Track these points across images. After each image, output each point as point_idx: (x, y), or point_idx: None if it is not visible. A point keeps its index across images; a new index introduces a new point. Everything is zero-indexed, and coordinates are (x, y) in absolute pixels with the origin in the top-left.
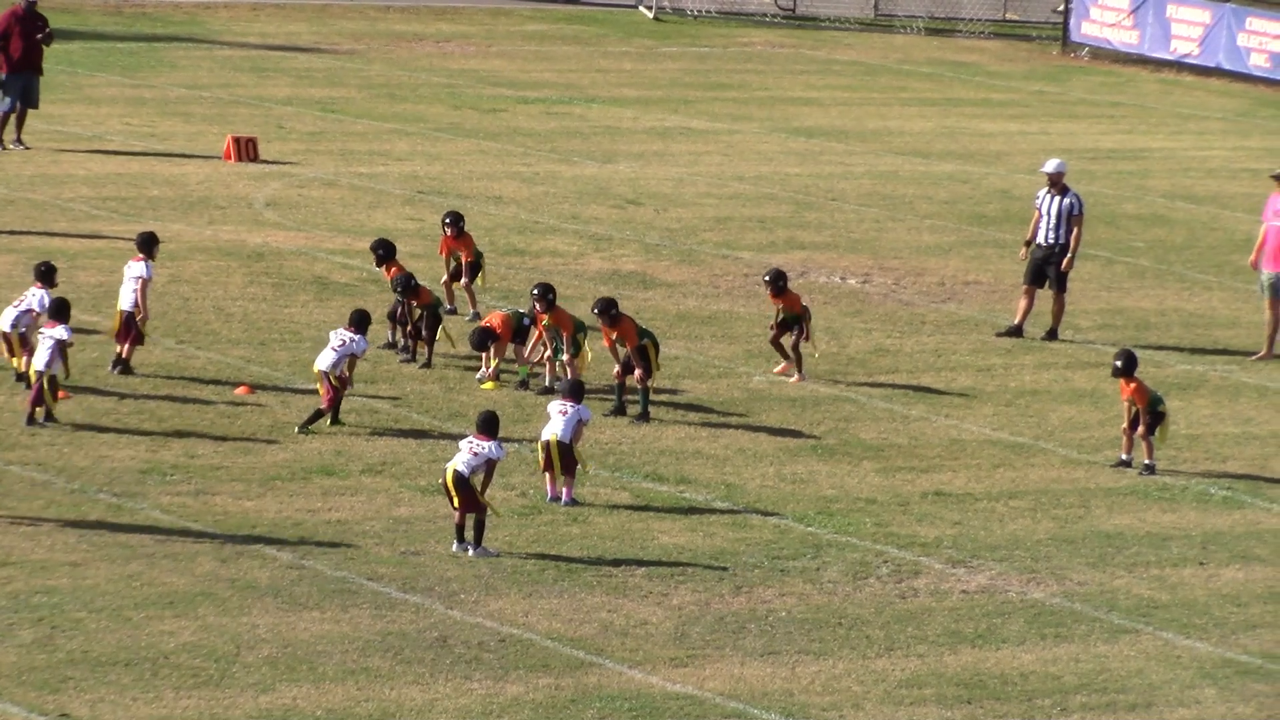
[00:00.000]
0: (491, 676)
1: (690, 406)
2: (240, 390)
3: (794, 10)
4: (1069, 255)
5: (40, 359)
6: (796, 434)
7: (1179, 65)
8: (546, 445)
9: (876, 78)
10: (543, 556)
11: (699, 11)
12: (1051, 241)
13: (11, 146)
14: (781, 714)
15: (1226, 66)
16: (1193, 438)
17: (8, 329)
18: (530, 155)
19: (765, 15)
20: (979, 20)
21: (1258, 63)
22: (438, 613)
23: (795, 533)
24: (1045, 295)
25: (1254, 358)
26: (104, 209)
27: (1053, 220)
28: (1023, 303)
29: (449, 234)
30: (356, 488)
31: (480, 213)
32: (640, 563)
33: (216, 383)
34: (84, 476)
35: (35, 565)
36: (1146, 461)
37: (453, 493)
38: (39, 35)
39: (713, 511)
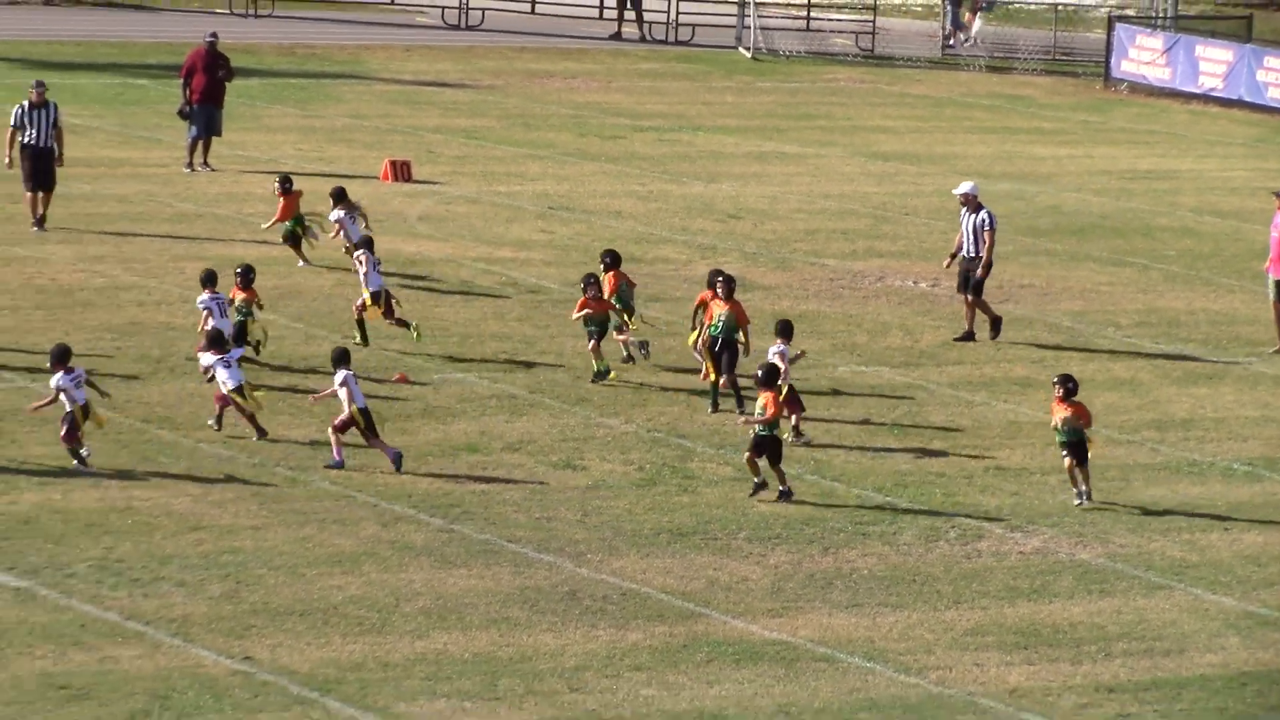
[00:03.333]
0: (614, 625)
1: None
2: (397, 378)
3: (872, 51)
4: (984, 263)
5: (234, 377)
6: (875, 417)
7: (1206, 98)
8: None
9: (943, 109)
10: (658, 522)
11: (790, 52)
12: (972, 255)
13: (199, 169)
14: (864, 658)
15: (1247, 99)
16: (1218, 421)
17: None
18: (645, 176)
19: (847, 55)
20: (1032, 59)
21: (1275, 95)
22: (568, 570)
23: (874, 502)
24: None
25: (1271, 351)
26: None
27: (970, 235)
28: (966, 310)
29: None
30: (498, 463)
31: (602, 225)
32: (741, 527)
33: (378, 371)
34: (264, 453)
35: (223, 529)
36: (1084, 488)
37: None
38: (220, 73)
39: (804, 483)
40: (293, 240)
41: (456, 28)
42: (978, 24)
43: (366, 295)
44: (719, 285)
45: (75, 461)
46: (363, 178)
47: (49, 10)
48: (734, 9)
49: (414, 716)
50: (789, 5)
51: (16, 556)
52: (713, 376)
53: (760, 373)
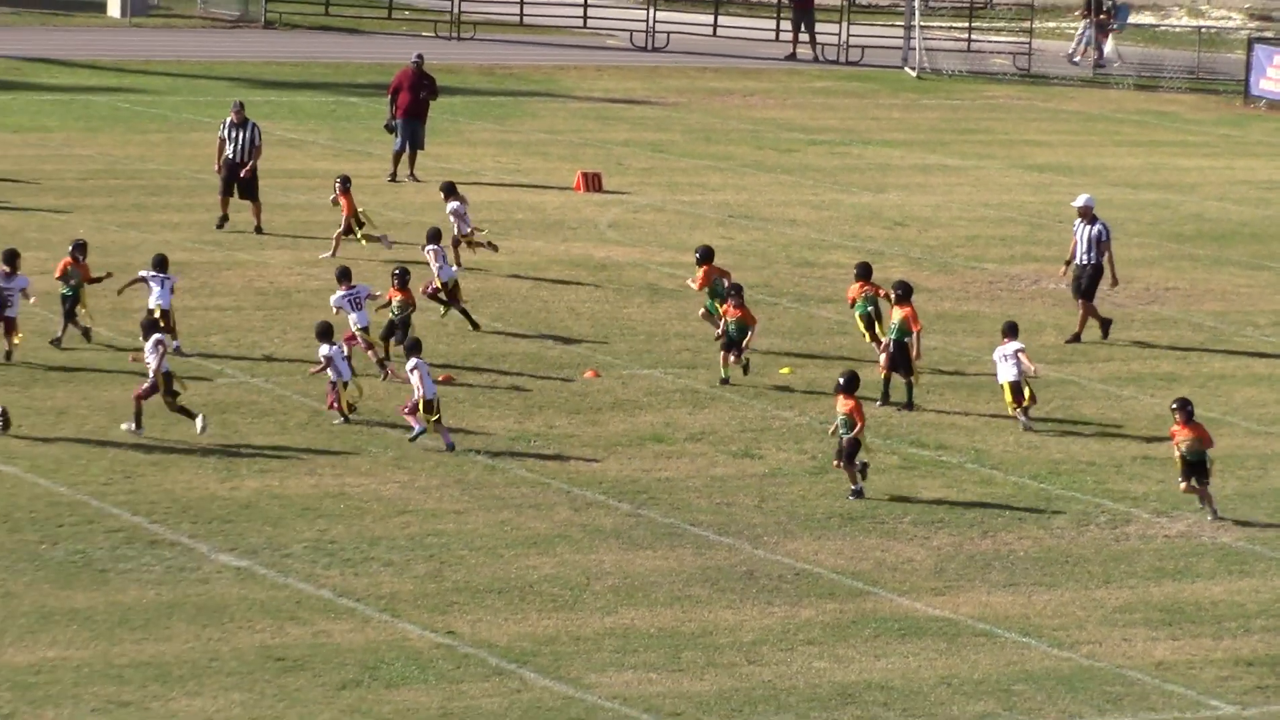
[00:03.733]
0: (789, 602)
1: (946, 387)
2: (589, 374)
3: (1028, 70)
4: (1113, 274)
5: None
6: (1031, 410)
7: None
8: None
9: (1095, 124)
10: (829, 507)
11: (952, 71)
12: (1085, 262)
13: (404, 180)
14: (1020, 633)
15: None
16: None
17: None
18: (817, 186)
19: (1005, 74)
20: (1177, 78)
21: None
22: (746, 551)
23: (1030, 489)
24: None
25: None
26: (480, 229)
27: (1085, 245)
28: (1080, 314)
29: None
30: (681, 452)
31: (778, 232)
32: (907, 513)
33: (569, 368)
34: (465, 442)
35: (428, 513)
36: (1212, 506)
37: None
38: (423, 93)
39: (964, 471)
40: (346, 231)
41: (644, 49)
42: (1109, 45)
43: (437, 283)
44: (895, 292)
45: (417, 430)
46: (557, 188)
47: (270, 33)
48: (900, 31)
49: (603, 687)
50: (951, 27)
51: (238, 538)
52: (883, 372)
53: (842, 380)
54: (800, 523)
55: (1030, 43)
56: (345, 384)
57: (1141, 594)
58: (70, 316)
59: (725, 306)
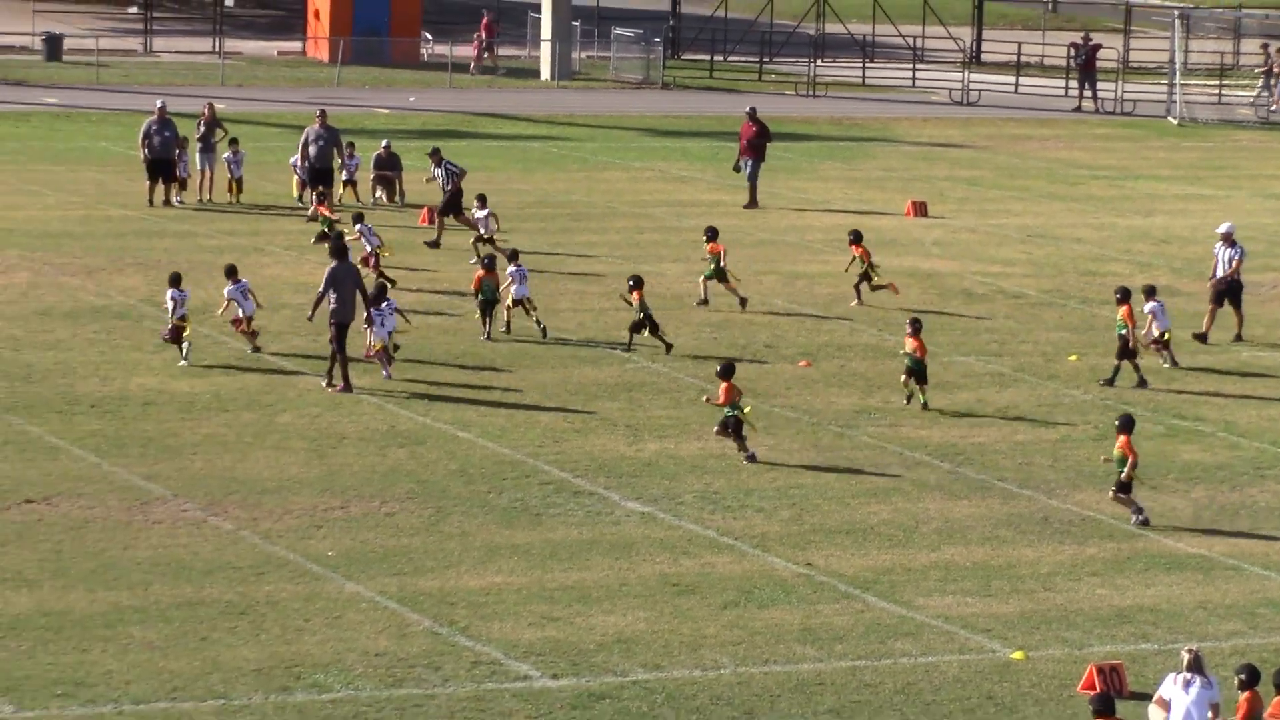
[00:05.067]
0: (1076, 542)
1: (1201, 369)
2: (803, 364)
3: (1267, 119)
4: (1241, 286)
5: None
6: (1270, 391)
7: None
8: None
9: None
10: (1109, 467)
11: (1207, 119)
12: (1222, 275)
13: (746, 209)
14: (1262, 568)
15: None
16: None
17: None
18: (1098, 212)
19: (1248, 122)
20: None
21: None
22: (1042, 501)
23: (1270, 453)
24: (1223, 312)
25: None
26: (831, 247)
27: (1225, 264)
28: (1208, 319)
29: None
30: (990, 422)
31: (1066, 248)
32: (1170, 470)
33: (897, 354)
34: (819, 414)
35: (790, 470)
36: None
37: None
38: (755, 139)
39: (1216, 438)
40: (320, 238)
41: (960, 104)
42: None
43: (510, 300)
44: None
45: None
46: (891, 214)
47: (667, 93)
48: (1165, 88)
49: (929, 608)
50: (1205, 85)
51: (642, 489)
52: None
53: (1118, 421)
54: (1085, 478)
55: (1271, 96)
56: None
57: None
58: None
59: (906, 338)
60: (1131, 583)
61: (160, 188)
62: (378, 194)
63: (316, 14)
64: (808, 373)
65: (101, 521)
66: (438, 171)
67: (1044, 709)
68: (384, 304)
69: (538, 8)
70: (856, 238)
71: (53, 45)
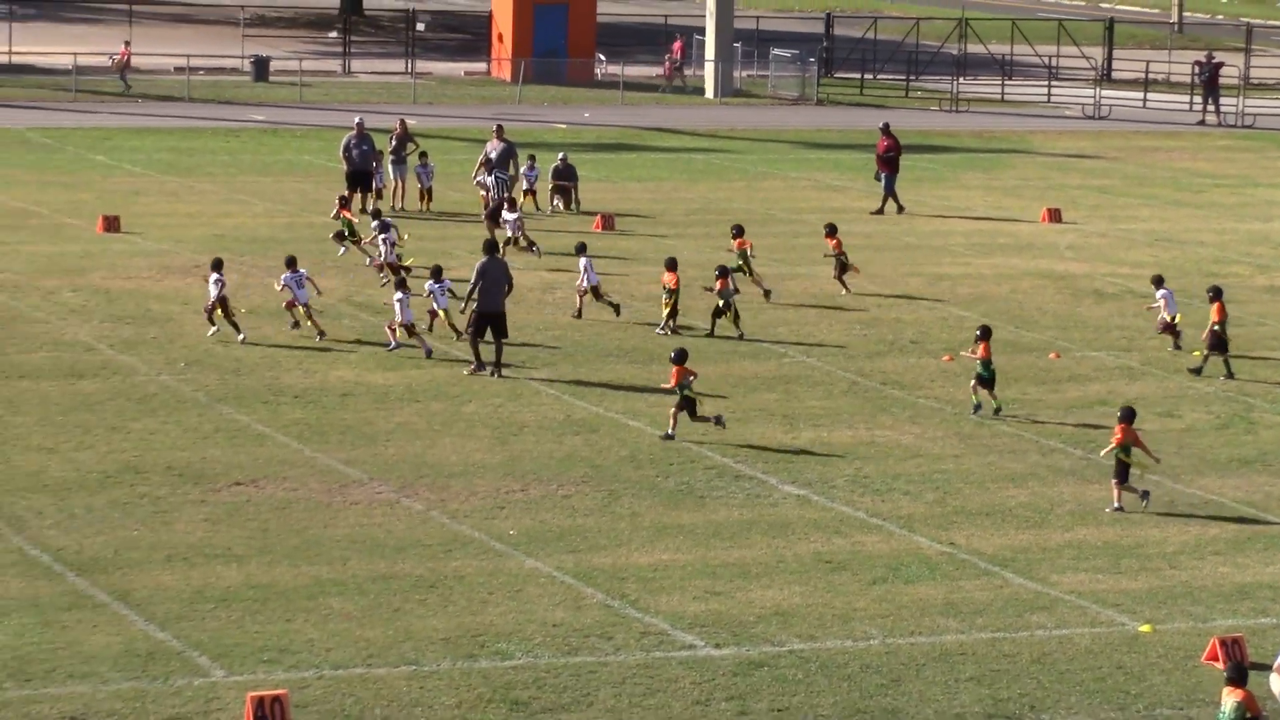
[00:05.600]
0: (1200, 523)
1: None
2: (1052, 355)
3: None
4: None
5: None
6: None
7: None
8: None
9: None
10: (1230, 454)
11: None
12: None
13: (887, 212)
14: None
15: None
16: None
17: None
18: (1220, 217)
19: None
20: None
21: None
22: (1168, 485)
23: None
24: None
25: None
26: (972, 250)
27: None
28: None
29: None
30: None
31: (1191, 251)
32: None
33: (1038, 351)
34: (961, 405)
35: (934, 456)
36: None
37: None
38: (888, 152)
39: None
40: (338, 236)
41: (1092, 118)
42: None
43: (587, 287)
44: (1209, 293)
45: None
46: (1026, 221)
47: (820, 109)
48: None
49: (1063, 584)
50: None
51: (797, 474)
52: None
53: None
54: (1208, 465)
55: None
56: None
57: None
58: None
59: (976, 345)
60: (1252, 561)
61: (358, 197)
62: (555, 202)
63: (500, 37)
64: (950, 367)
65: (304, 502)
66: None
67: (1169, 678)
68: (402, 294)
69: (703, 30)
70: (831, 230)
71: (260, 67)
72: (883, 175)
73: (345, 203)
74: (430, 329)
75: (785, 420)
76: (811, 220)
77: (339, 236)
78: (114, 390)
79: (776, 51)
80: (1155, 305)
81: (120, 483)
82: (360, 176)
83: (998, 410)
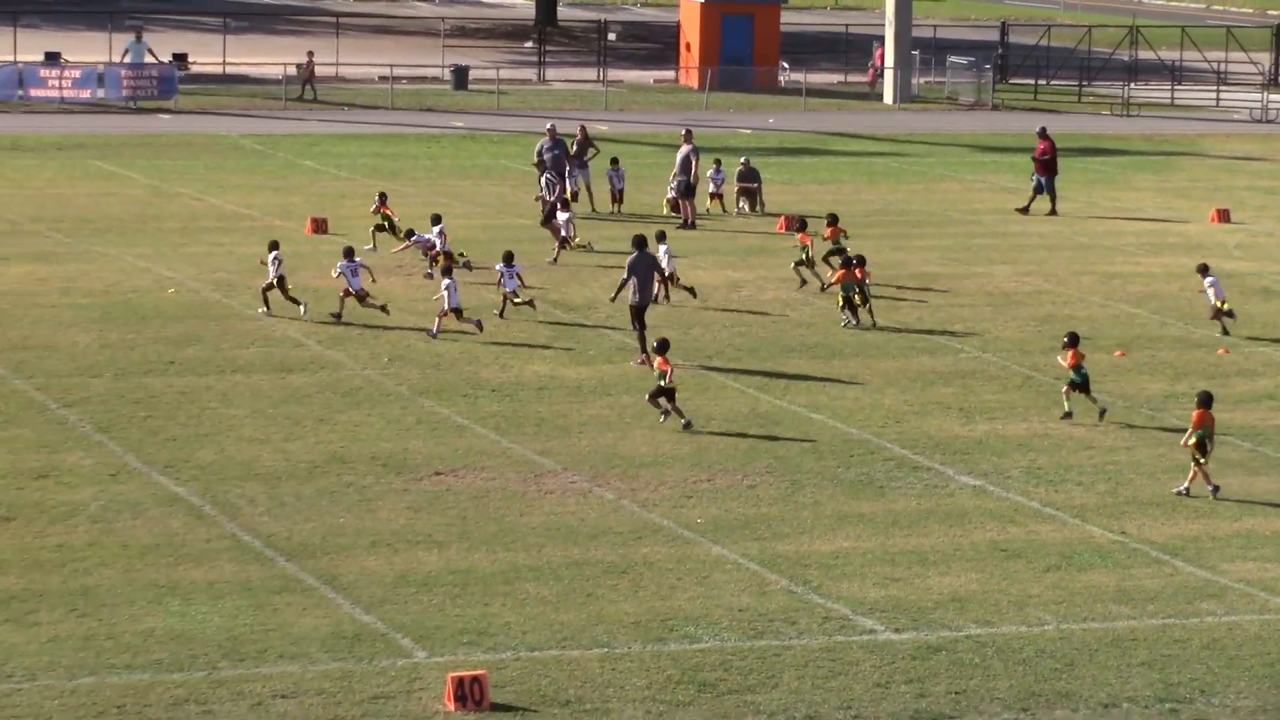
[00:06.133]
0: None
1: None
2: (1221, 351)
3: None
4: None
5: None
6: None
7: None
8: None
9: None
10: None
11: None
12: None
13: (1027, 214)
14: None
15: None
16: None
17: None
18: None
19: None
20: None
21: None
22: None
23: None
24: None
25: None
26: (1142, 250)
27: None
28: None
29: None
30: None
31: None
32: None
33: (1205, 347)
34: (1132, 399)
35: (1106, 449)
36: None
37: None
38: (1045, 154)
39: None
40: (379, 229)
41: (1260, 121)
42: None
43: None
44: None
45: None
46: (1197, 221)
47: (995, 114)
48: None
49: (1232, 572)
50: None
51: (973, 465)
52: None
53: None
54: None
55: None
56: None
57: None
58: (851, 307)
59: (1064, 352)
60: None
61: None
62: (741, 204)
63: (688, 46)
64: (1122, 362)
65: (501, 491)
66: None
67: None
68: (450, 280)
69: (882, 39)
70: (833, 219)
71: (460, 76)
72: (1039, 177)
73: (385, 199)
74: (501, 314)
75: (962, 413)
76: (987, 221)
77: (377, 229)
78: (322, 384)
79: (953, 58)
80: (1204, 291)
81: (328, 472)
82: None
83: (1103, 413)
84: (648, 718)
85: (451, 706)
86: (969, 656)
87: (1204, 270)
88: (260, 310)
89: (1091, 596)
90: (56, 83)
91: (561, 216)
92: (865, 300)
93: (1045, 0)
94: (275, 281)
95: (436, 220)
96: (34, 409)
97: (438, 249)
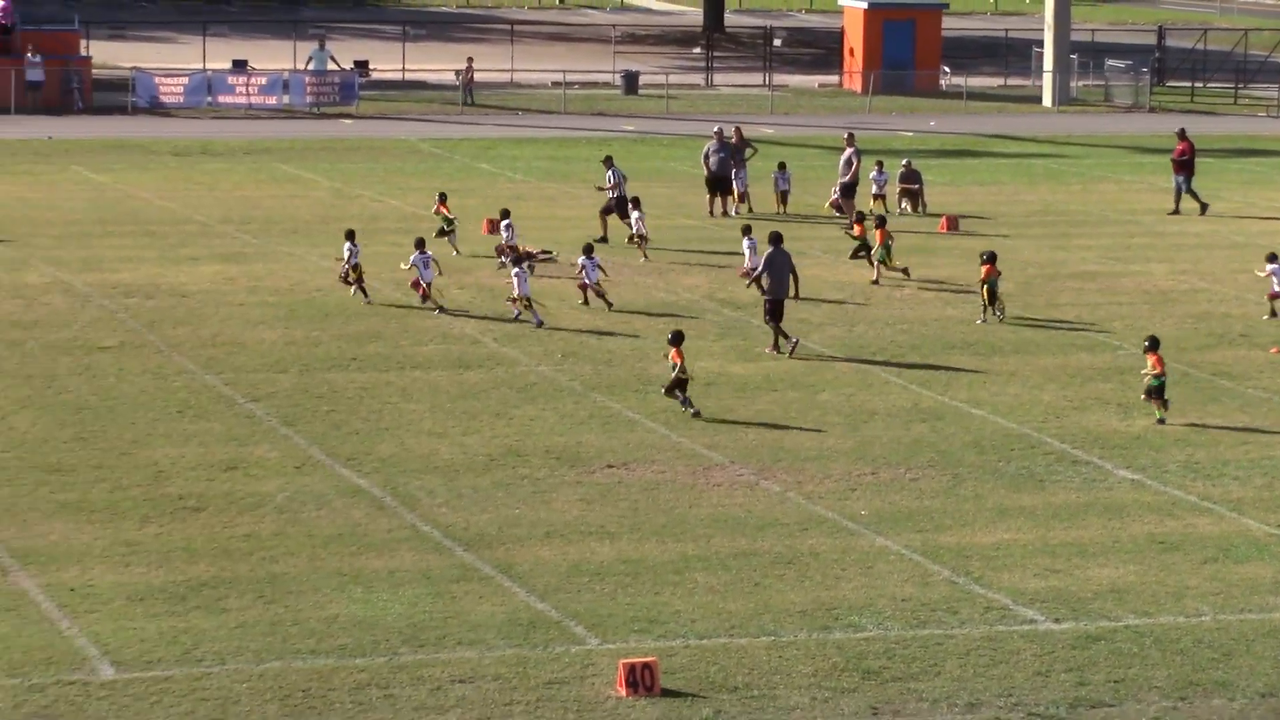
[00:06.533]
0: None
1: None
2: (1275, 350)
3: None
4: None
5: None
6: None
7: None
8: None
9: None
10: None
11: None
12: None
13: (1179, 214)
14: None
15: None
16: None
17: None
18: None
19: None
20: None
21: None
22: None
23: None
24: None
25: None
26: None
27: None
28: None
29: None
30: None
31: None
32: None
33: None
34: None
35: (1263, 443)
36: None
37: None
38: (1184, 155)
39: None
40: (440, 233)
41: None
42: None
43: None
44: None
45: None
46: None
47: (1151, 115)
48: None
49: None
50: None
51: (1131, 459)
52: None
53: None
54: None
55: None
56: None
57: None
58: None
59: (1150, 356)
60: None
61: (718, 201)
62: (903, 205)
63: (851, 51)
64: (1277, 358)
65: (670, 483)
66: (610, 176)
67: None
68: (522, 265)
69: (1041, 43)
70: (880, 222)
71: (630, 81)
72: (1177, 178)
73: (444, 199)
74: (585, 301)
75: (1120, 409)
76: (1145, 221)
77: (440, 233)
78: (497, 380)
79: (1111, 62)
80: (1263, 275)
81: (503, 465)
82: (719, 181)
83: (1161, 420)
84: (813, 704)
85: (623, 692)
86: (1127, 646)
87: (1272, 258)
88: (353, 292)
89: (1248, 588)
90: (244, 90)
91: (634, 215)
92: (993, 297)
93: (1202, 4)
94: (351, 268)
95: (505, 215)
96: (223, 403)
97: (504, 242)
